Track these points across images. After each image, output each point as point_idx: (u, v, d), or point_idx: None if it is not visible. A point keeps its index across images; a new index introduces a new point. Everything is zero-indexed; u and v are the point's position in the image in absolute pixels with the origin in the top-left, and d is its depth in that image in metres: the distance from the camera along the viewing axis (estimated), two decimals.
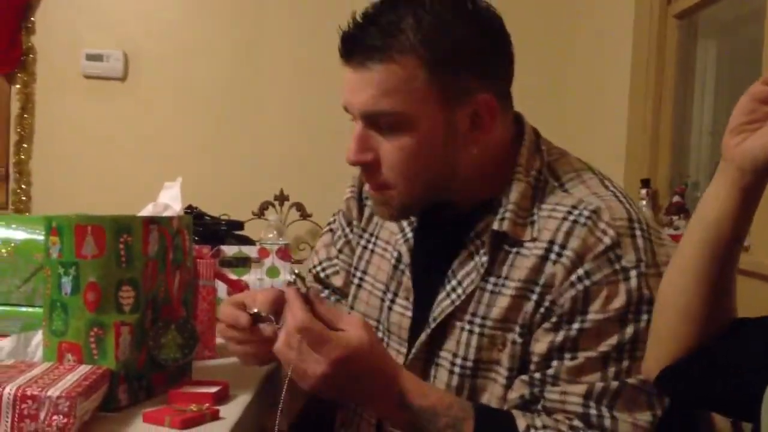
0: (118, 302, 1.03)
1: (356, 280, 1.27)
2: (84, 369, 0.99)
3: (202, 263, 1.39)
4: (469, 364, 1.09)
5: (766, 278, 1.71)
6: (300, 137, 3.20)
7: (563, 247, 1.06)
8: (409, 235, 1.20)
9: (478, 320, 1.10)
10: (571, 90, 2.86)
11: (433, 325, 1.12)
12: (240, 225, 2.31)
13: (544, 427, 1.03)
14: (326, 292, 1.34)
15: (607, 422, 1.02)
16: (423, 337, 1.13)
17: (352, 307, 1.26)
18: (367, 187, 1.22)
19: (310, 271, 1.37)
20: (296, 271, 1.20)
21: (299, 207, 3.14)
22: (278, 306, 1.09)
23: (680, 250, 0.93)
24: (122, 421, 0.99)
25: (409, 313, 1.17)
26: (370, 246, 1.27)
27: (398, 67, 1.04)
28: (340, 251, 1.32)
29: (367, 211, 1.29)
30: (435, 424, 1.02)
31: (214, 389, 1.07)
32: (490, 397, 1.09)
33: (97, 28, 3.16)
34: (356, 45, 1.06)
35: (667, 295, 0.94)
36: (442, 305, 1.12)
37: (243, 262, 1.66)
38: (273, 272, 1.61)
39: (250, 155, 3.19)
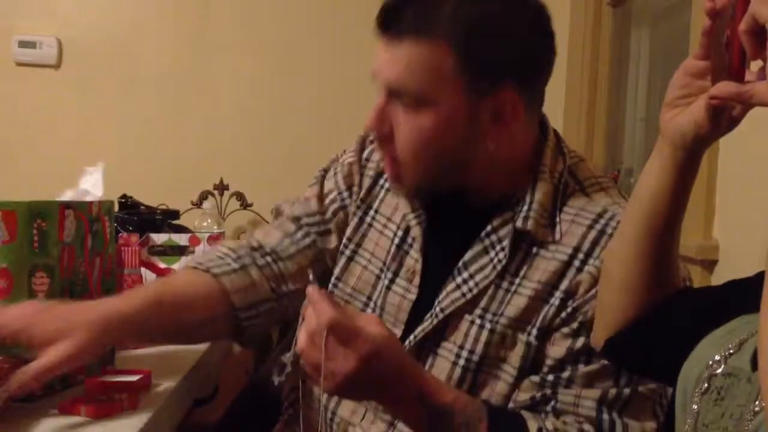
0: (31, 289, 1.01)
1: (348, 252, 1.22)
2: None
3: (127, 251, 1.36)
4: (476, 358, 1.08)
5: (686, 259, 1.74)
6: (240, 126, 3.17)
7: (589, 255, 1.06)
8: (423, 215, 1.16)
9: (489, 316, 1.08)
10: None
11: (441, 316, 1.10)
12: (176, 214, 2.27)
13: (555, 429, 1.03)
14: None
15: (619, 428, 1.03)
16: (428, 326, 1.10)
17: (339, 279, 1.22)
18: (376, 156, 1.21)
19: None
20: (309, 271, 1.15)
21: (239, 196, 3.10)
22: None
23: (622, 222, 0.94)
24: (37, 411, 0.96)
25: (412, 296, 1.14)
26: (368, 219, 1.22)
27: (429, 49, 1.02)
28: (333, 214, 1.25)
29: (366, 182, 1.24)
30: (450, 422, 1.00)
31: (134, 378, 1.06)
32: (492, 393, 1.08)
33: (30, 14, 3.08)
34: (393, 19, 1.04)
35: (609, 265, 0.95)
36: (452, 296, 1.10)
37: (175, 251, 1.62)
38: None
39: (189, 144, 3.15)
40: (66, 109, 3.11)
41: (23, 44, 3.06)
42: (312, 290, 0.96)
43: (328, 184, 1.26)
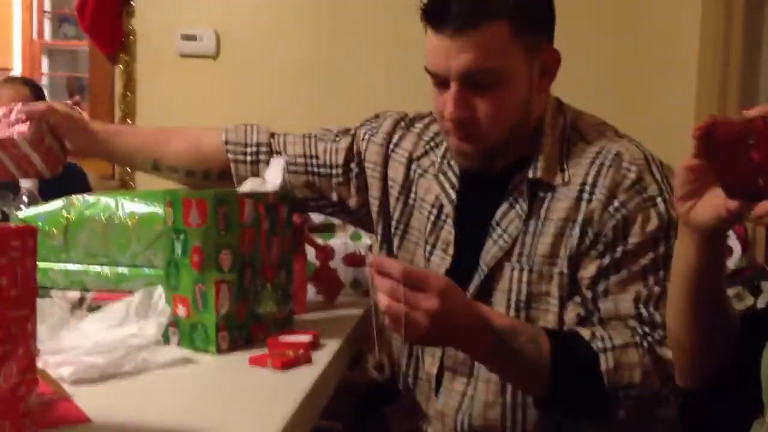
0: (218, 263, 1.18)
1: (400, 233, 1.41)
2: None
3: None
4: (523, 297, 1.24)
5: None
6: (377, 109, 3.31)
7: (594, 186, 1.22)
8: (453, 195, 1.33)
9: (524, 259, 1.24)
10: (640, 65, 2.88)
11: (486, 270, 1.26)
12: None
13: (604, 331, 1.17)
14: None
15: (658, 318, 1.17)
16: (476, 281, 1.27)
17: (396, 257, 1.39)
18: (406, 145, 1.40)
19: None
20: (369, 249, 1.36)
21: None
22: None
23: (671, 297, 1.01)
24: (230, 363, 1.15)
25: (446, 264, 1.31)
26: (410, 202, 1.40)
27: (492, 31, 1.17)
28: (356, 177, 1.45)
29: (400, 169, 1.41)
30: (517, 340, 1.13)
31: (307, 338, 1.21)
32: (545, 323, 1.23)
33: (191, 9, 3.34)
34: (450, 15, 1.16)
35: (673, 335, 1.04)
36: (492, 252, 1.26)
37: (329, 228, 1.81)
38: (356, 236, 1.75)
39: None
40: (223, 96, 3.35)
41: (185, 37, 3.32)
42: (374, 257, 1.09)
43: (359, 146, 1.46)
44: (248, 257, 1.23)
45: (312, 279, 1.61)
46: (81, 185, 2.61)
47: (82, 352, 1.05)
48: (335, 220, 1.78)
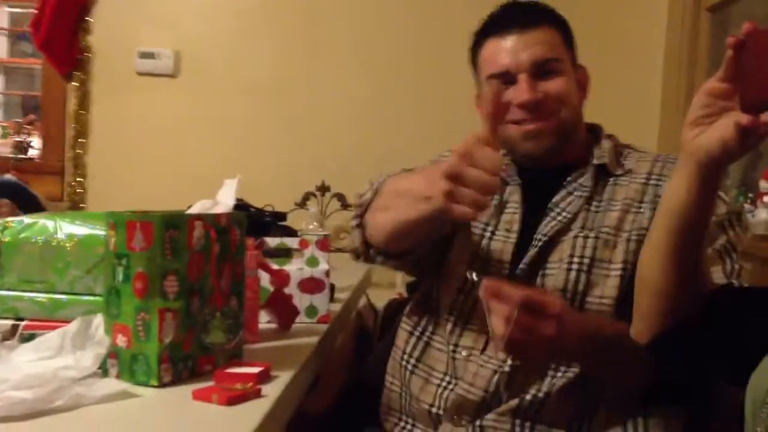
0: (163, 290, 1.11)
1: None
2: None
3: (246, 254, 1.48)
4: (587, 261, 1.29)
5: None
6: (340, 131, 3.30)
7: (661, 175, 1.35)
8: (517, 179, 1.44)
9: (588, 230, 1.32)
10: (604, 84, 2.86)
11: (544, 239, 1.33)
12: (283, 216, 2.41)
13: None
14: None
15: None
16: (534, 252, 1.32)
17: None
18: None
19: None
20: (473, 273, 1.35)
21: (340, 197, 3.24)
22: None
23: (652, 235, 1.02)
24: (172, 397, 1.08)
25: (512, 240, 1.38)
26: None
27: (550, 32, 1.40)
28: None
29: None
30: (623, 348, 1.14)
31: (256, 370, 1.15)
32: (604, 288, 1.28)
33: (150, 27, 3.29)
34: (515, 19, 1.40)
35: (645, 276, 1.03)
36: (550, 225, 1.34)
37: (285, 253, 1.74)
38: (313, 262, 1.69)
39: (293, 148, 3.30)
40: (181, 115, 3.31)
41: (143, 55, 3.27)
42: (489, 282, 1.12)
43: None
44: (196, 284, 1.17)
45: (265, 306, 1.54)
46: (31, 207, 2.51)
47: (9, 386, 0.97)
48: (292, 245, 1.71)
